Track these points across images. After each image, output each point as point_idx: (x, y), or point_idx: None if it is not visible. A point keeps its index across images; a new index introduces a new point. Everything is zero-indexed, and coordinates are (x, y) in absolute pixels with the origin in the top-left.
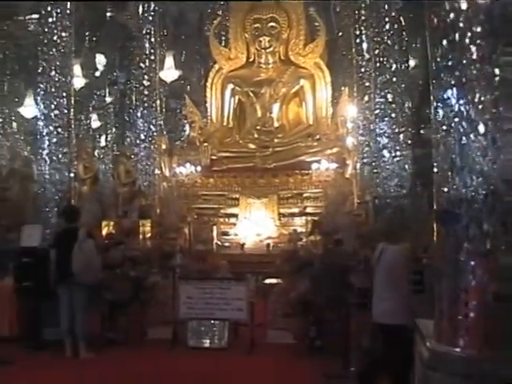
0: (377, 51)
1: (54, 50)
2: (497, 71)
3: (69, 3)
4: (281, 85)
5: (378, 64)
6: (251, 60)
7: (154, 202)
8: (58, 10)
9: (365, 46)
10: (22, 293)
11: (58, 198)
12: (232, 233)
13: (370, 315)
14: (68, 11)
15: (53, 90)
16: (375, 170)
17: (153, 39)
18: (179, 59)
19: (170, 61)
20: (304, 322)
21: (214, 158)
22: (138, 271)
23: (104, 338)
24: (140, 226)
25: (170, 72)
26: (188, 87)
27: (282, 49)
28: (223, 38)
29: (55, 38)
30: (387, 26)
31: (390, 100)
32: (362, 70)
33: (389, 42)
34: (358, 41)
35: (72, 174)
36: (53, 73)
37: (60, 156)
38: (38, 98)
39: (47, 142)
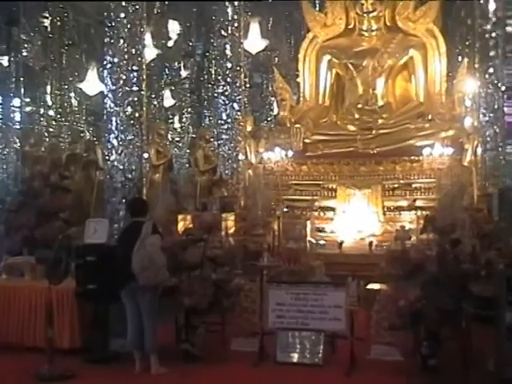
0: (508, 12)
1: (121, 15)
2: None
3: None
4: (386, 56)
5: (507, 29)
6: (351, 27)
7: (238, 192)
8: None
9: (491, 6)
10: (86, 297)
11: (127, 188)
12: (328, 229)
13: (498, 331)
14: None
15: (121, 62)
16: (500, 157)
17: (236, 3)
18: (266, 26)
19: (255, 28)
20: (414, 337)
21: (307, 141)
22: (220, 273)
23: (179, 350)
24: (222, 220)
25: (255, 41)
26: (276, 59)
27: (388, 13)
28: (318, 1)
29: (123, 2)
30: None
31: None
32: (486, 36)
33: None
34: (481, 0)
35: (143, 160)
36: (120, 43)
37: (129, 139)
38: (104, 72)
39: (114, 124)
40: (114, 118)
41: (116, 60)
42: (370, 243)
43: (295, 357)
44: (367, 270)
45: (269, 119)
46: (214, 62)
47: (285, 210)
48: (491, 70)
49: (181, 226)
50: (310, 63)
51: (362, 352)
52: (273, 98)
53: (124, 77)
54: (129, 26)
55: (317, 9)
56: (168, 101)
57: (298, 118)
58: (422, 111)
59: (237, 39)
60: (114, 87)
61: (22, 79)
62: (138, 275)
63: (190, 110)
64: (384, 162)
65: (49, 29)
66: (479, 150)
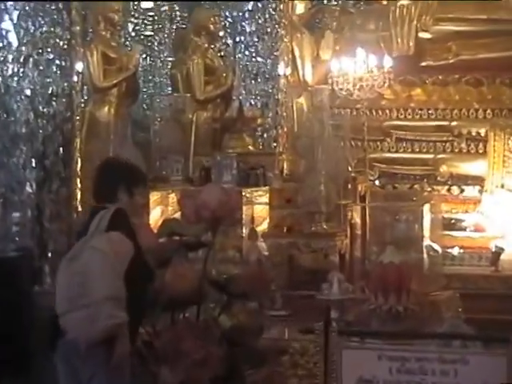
0: None
1: None
2: None
3: None
4: None
5: None
6: None
7: (277, 144)
8: None
9: None
10: None
11: (40, 136)
12: (470, 223)
13: None
14: None
15: None
16: None
17: None
18: None
19: None
20: None
21: (426, 36)
22: (239, 315)
23: None
24: (242, 204)
25: None
26: None
27: None
28: None
29: None
30: None
31: None
32: None
33: None
34: None
35: (73, 79)
36: None
37: (38, 30)
38: None
39: None
40: None
41: None
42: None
43: None
44: None
45: None
46: None
47: (376, 182)
48: None
49: (156, 215)
50: None
51: None
52: None
53: None
54: None
55: None
56: None
57: None
58: None
59: None
60: None
61: None
62: (61, 318)
63: None
64: None
65: None
66: None
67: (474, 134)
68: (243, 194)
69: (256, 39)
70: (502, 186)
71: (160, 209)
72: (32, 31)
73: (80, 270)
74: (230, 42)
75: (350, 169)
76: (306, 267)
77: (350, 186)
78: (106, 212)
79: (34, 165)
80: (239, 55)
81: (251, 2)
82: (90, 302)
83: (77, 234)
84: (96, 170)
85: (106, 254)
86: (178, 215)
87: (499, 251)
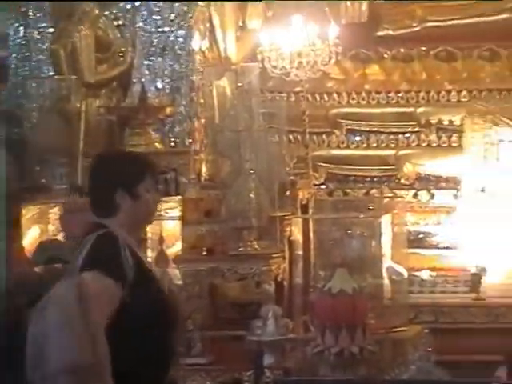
0: None
1: None
2: None
3: None
4: None
5: None
6: None
7: (192, 141)
8: None
9: None
10: None
11: None
12: (441, 238)
13: None
14: None
15: None
16: None
17: None
18: None
19: None
20: None
21: None
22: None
23: None
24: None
25: None
26: None
27: None
28: None
29: None
30: None
31: None
32: None
33: None
34: None
35: None
36: None
37: None
38: None
39: None
40: None
41: None
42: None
43: None
44: None
45: None
46: None
47: (322, 187)
48: None
49: (33, 236)
50: None
51: None
52: None
53: None
54: None
55: None
56: None
57: None
58: None
59: None
60: None
61: None
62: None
63: None
64: None
65: None
66: None
67: (446, 122)
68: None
69: (162, 3)
70: (483, 190)
71: (38, 228)
72: None
73: (41, 328)
74: (128, 6)
75: (287, 171)
76: (233, 300)
77: (288, 193)
78: (87, 242)
79: None
80: (141, 24)
81: None
82: (42, 376)
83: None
84: (89, 173)
85: (67, 309)
86: (60, 236)
87: (481, 273)
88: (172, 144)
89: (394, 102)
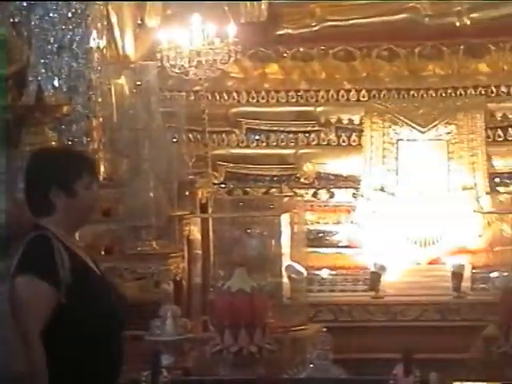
0: None
1: None
2: None
3: None
4: None
5: None
6: None
7: (91, 140)
8: None
9: None
10: None
11: None
12: (341, 236)
13: None
14: None
15: None
16: None
17: None
18: None
19: None
20: None
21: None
22: None
23: None
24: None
25: None
26: None
27: None
28: None
29: None
30: None
31: None
32: None
33: None
34: None
35: None
36: None
37: None
38: None
39: None
40: None
41: None
42: (457, 272)
43: None
44: (452, 346)
45: None
46: None
47: (222, 186)
48: None
49: None
50: None
51: None
52: None
53: None
54: None
55: None
56: None
57: None
58: None
59: None
60: None
61: None
62: None
63: None
64: (494, 49)
65: None
66: None
67: (345, 121)
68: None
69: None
70: (382, 189)
71: None
72: None
73: None
74: (25, 3)
75: (187, 170)
76: (131, 299)
77: (187, 193)
78: (21, 244)
79: None
80: (37, 21)
81: None
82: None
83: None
84: (25, 169)
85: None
86: None
87: (380, 271)
88: (69, 143)
89: (293, 100)
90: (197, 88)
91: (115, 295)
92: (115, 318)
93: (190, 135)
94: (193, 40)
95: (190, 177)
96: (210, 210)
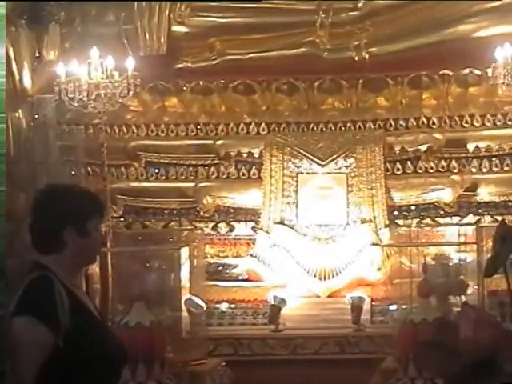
0: None
1: None
2: None
3: None
4: None
5: None
6: None
7: None
8: None
9: None
10: None
11: None
12: (241, 269)
13: None
14: None
15: None
16: None
17: None
18: None
19: None
20: None
21: (179, 30)
22: None
23: None
24: None
25: None
26: None
27: None
28: None
29: None
30: None
31: None
32: None
33: None
34: None
35: None
36: None
37: None
38: None
39: None
40: None
41: None
42: (357, 305)
43: None
44: (351, 379)
45: None
46: None
47: (121, 219)
48: None
49: None
50: None
51: None
52: None
53: None
54: None
55: None
56: None
57: None
58: None
59: None
60: None
61: None
62: None
63: None
64: (392, 84)
65: None
66: None
67: (245, 155)
68: None
69: None
70: (282, 222)
71: None
72: None
73: None
74: None
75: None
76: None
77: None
78: (22, 285)
79: None
80: None
81: None
82: None
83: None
84: (32, 206)
85: None
86: None
87: (279, 305)
88: None
89: (193, 134)
90: (96, 121)
91: (114, 339)
92: (114, 363)
93: (89, 169)
94: (91, 73)
95: None
96: (108, 244)
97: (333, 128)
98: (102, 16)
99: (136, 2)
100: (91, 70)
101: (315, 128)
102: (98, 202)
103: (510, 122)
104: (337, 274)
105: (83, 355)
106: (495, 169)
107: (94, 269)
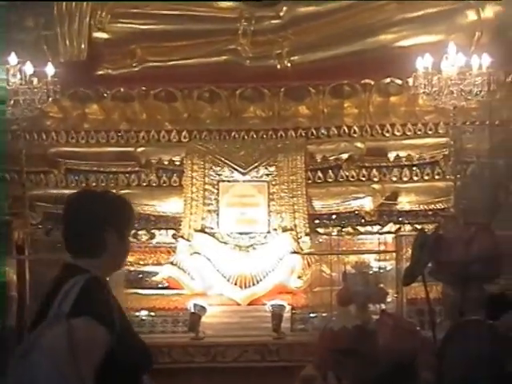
0: None
1: None
2: None
3: None
4: None
5: None
6: None
7: None
8: None
9: None
10: None
11: None
12: (162, 276)
13: None
14: None
15: None
16: None
17: None
18: None
19: None
20: None
21: (99, 36)
22: None
23: None
24: None
25: None
26: None
27: None
28: None
29: None
30: None
31: None
32: None
33: None
34: None
35: None
36: None
37: None
38: None
39: None
40: None
41: None
42: (277, 313)
43: None
44: None
45: None
46: None
47: (39, 226)
48: None
49: None
50: None
51: None
52: None
53: None
54: None
55: None
56: None
57: None
58: None
59: None
60: None
61: None
62: None
63: None
64: (314, 92)
65: None
66: None
67: (166, 162)
68: None
69: None
70: (203, 230)
71: None
72: None
73: (29, 378)
74: None
75: (2, 210)
76: None
77: (2, 233)
78: (74, 285)
79: None
80: None
81: None
82: None
83: (34, 315)
84: (68, 209)
85: (59, 357)
86: None
87: (199, 313)
88: None
89: (113, 141)
90: (14, 127)
91: (144, 344)
92: (149, 360)
93: (8, 175)
94: (10, 79)
95: (6, 217)
96: (26, 252)
97: (254, 136)
98: (22, 21)
99: (56, 8)
100: (10, 75)
101: (237, 136)
102: (132, 209)
103: (430, 132)
104: (257, 282)
105: (125, 357)
106: (415, 178)
107: (11, 276)
